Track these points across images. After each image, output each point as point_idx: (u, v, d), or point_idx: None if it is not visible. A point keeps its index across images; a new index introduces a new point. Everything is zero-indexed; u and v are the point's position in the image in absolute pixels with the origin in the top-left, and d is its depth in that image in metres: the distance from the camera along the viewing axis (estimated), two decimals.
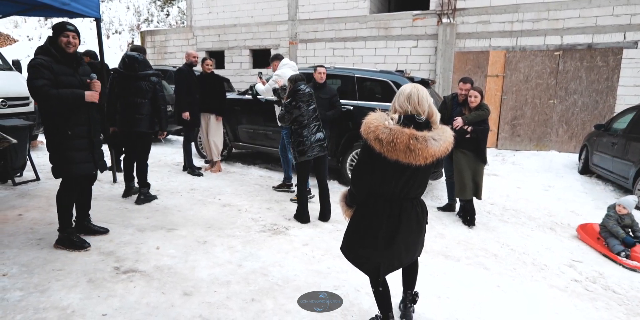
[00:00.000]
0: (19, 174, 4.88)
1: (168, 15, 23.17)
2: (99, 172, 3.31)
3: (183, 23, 20.84)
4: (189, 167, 5.68)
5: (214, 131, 5.69)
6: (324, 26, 10.67)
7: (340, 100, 5.35)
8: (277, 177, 5.69)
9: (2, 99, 5.69)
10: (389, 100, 5.30)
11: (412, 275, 2.40)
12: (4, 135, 4.26)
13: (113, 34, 22.79)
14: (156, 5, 24.02)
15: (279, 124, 4.97)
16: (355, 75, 5.48)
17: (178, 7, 23.05)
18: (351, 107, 5.33)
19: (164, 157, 6.79)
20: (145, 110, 4.07)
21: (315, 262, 3.17)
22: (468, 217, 4.21)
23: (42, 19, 24.10)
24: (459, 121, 4.09)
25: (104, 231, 3.41)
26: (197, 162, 6.36)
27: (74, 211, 3.26)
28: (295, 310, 2.44)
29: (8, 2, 4.33)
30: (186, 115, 5.35)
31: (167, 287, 2.62)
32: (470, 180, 4.15)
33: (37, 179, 4.85)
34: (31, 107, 6.19)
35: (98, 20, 4.42)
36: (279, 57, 5.17)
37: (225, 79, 9.12)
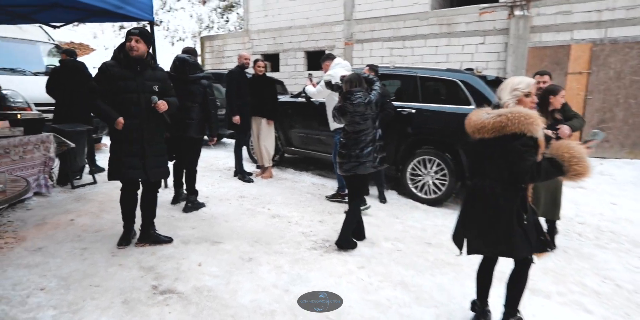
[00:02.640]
0: (78, 177, 4.95)
1: (227, 21, 23.88)
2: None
3: (241, 28, 21.27)
4: (240, 173, 5.48)
5: (265, 136, 5.45)
6: (381, 25, 10.17)
7: (401, 103, 4.87)
8: (331, 186, 5.32)
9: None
10: (457, 102, 4.80)
11: (509, 287, 2.25)
12: (63, 139, 4.31)
13: (177, 41, 23.91)
14: (217, 12, 24.87)
15: (331, 129, 4.61)
16: (418, 74, 4.96)
17: (237, 13, 23.67)
18: (413, 111, 4.82)
19: (216, 161, 6.70)
20: (195, 114, 3.89)
21: (373, 291, 2.73)
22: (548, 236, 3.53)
23: (117, 29, 25.97)
24: (565, 130, 3.26)
25: (168, 240, 3.28)
26: (249, 167, 6.17)
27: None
28: None
29: (69, 9, 4.39)
30: (237, 119, 5.15)
31: (204, 315, 2.33)
32: (546, 195, 3.44)
33: (94, 182, 4.89)
34: None
35: (152, 23, 4.34)
36: (330, 57, 4.79)
37: (279, 82, 8.96)
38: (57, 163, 4.63)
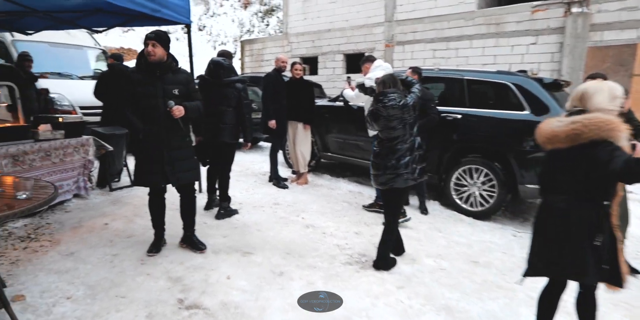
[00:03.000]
0: (116, 179, 5.01)
1: (268, 25, 24.19)
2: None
3: (281, 32, 21.44)
4: (275, 178, 5.35)
5: (301, 140, 5.29)
6: (424, 26, 9.79)
7: (446, 108, 4.54)
8: (368, 194, 5.06)
9: None
10: (508, 107, 4.40)
11: (580, 316, 2.03)
12: (102, 142, 4.35)
13: (219, 45, 24.50)
14: (257, 16, 25.27)
15: (370, 134, 4.37)
16: (465, 77, 4.61)
17: (277, 17, 23.91)
18: (458, 116, 4.48)
19: (252, 165, 6.62)
20: (229, 119, 3.78)
21: (414, 316, 2.47)
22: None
23: None
24: None
25: (200, 248, 3.19)
26: (284, 172, 6.04)
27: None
28: None
29: (111, 14, 4.44)
30: (272, 123, 5.02)
31: None
32: None
33: (132, 185, 4.91)
34: None
35: (189, 27, 4.30)
36: (370, 59, 4.53)
37: (317, 85, 8.80)
38: (96, 166, 4.70)
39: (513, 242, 3.80)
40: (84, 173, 4.33)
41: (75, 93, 5.88)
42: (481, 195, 4.35)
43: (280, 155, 5.65)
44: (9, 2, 4.01)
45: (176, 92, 2.90)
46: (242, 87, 3.76)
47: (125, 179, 5.11)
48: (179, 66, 3.03)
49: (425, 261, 3.27)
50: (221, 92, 3.70)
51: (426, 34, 9.75)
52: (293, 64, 5.22)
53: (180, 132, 2.97)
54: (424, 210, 4.49)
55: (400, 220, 3.90)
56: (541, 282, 2.13)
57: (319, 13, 11.70)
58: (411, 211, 4.34)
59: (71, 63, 6.55)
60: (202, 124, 3.91)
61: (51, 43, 6.28)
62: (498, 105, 4.36)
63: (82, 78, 6.36)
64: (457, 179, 4.51)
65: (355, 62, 11.04)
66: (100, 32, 5.02)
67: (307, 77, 5.92)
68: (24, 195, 2.05)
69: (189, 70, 4.37)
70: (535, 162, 3.87)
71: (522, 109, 4.09)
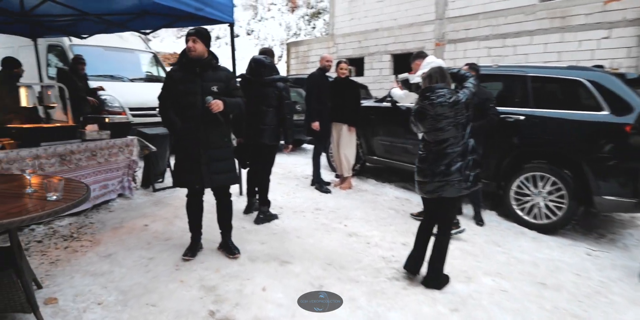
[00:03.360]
0: (160, 180, 5.03)
1: (314, 28, 24.23)
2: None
3: (327, 33, 21.37)
4: (317, 182, 5.14)
5: (345, 143, 5.04)
6: (478, 22, 9.21)
7: (506, 108, 4.10)
8: (417, 201, 4.69)
9: None
10: (582, 107, 3.86)
11: None
12: (146, 142, 4.35)
13: None
14: (304, 19, 25.42)
15: (419, 137, 4.02)
16: (529, 74, 4.14)
17: (324, 19, 23.89)
18: (521, 117, 4.02)
19: (295, 168, 6.46)
20: (269, 119, 3.61)
21: None
22: None
23: (214, 39, 28.00)
24: None
25: (234, 252, 3.04)
26: (327, 175, 5.81)
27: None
28: None
29: (157, 16, 4.46)
30: (316, 125, 4.82)
31: None
32: None
33: (174, 186, 4.90)
34: None
35: (232, 26, 4.20)
36: (422, 55, 4.17)
37: (363, 86, 8.53)
38: (141, 166, 4.73)
39: (587, 261, 3.31)
40: (129, 173, 4.36)
41: (126, 95, 6.03)
42: (547, 207, 3.86)
43: (323, 158, 5.44)
44: (63, 6, 4.13)
45: (215, 89, 2.77)
46: (284, 87, 3.58)
47: (168, 180, 5.11)
48: (220, 64, 2.90)
49: (482, 280, 2.89)
50: (262, 92, 3.55)
51: (480, 31, 9.16)
52: (338, 62, 4.99)
53: (220, 129, 2.84)
54: (479, 221, 4.07)
55: (453, 231, 3.53)
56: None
57: (365, 13, 11.42)
58: (465, 221, 3.95)
59: (124, 66, 6.75)
60: (243, 124, 3.78)
61: (105, 47, 6.51)
62: (569, 105, 3.85)
63: (132, 80, 6.53)
64: (519, 187, 4.05)
65: (403, 62, 10.62)
66: (148, 33, 5.08)
67: (353, 79, 5.67)
68: (54, 197, 1.97)
69: (231, 70, 4.31)
70: (615, 170, 3.36)
71: (600, 109, 3.57)
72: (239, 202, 4.41)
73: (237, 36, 27.54)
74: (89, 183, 3.86)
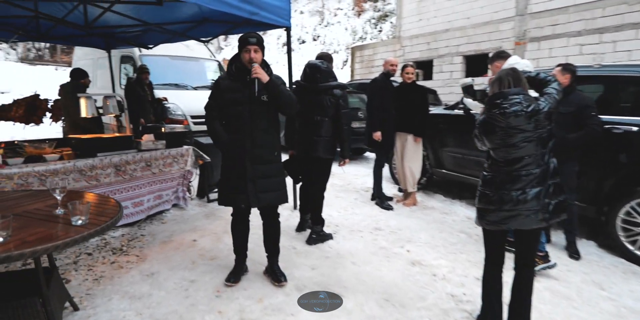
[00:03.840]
0: (215, 190, 4.93)
1: (380, 31, 23.69)
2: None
3: (394, 37, 20.76)
4: (378, 197, 4.70)
5: (410, 155, 4.55)
6: (567, 17, 8.13)
7: (611, 117, 3.37)
8: None
9: None
10: None
11: None
12: (201, 153, 4.24)
13: (332, 53, 24.87)
14: (370, 23, 24.98)
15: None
16: None
17: (390, 22, 23.25)
18: (634, 128, 3.25)
19: (355, 179, 6.07)
20: (324, 130, 3.28)
21: None
22: None
23: (280, 46, 28.61)
24: None
25: (280, 280, 2.74)
26: (389, 189, 5.35)
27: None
28: None
29: (216, 23, 4.37)
30: (377, 135, 4.39)
31: None
32: None
33: (219, 203, 4.78)
34: None
35: (288, 30, 3.94)
36: (502, 55, 3.52)
37: (432, 91, 7.91)
38: (197, 175, 4.66)
39: None
40: (183, 183, 4.28)
41: (188, 103, 6.09)
42: None
43: (386, 169, 4.99)
44: (125, 17, 4.18)
45: (265, 98, 2.51)
46: (341, 94, 3.22)
47: None
48: (272, 71, 2.64)
49: None
50: (316, 99, 3.22)
51: (571, 26, 8.06)
52: (404, 66, 4.53)
53: (269, 142, 2.57)
54: (573, 253, 3.37)
55: (538, 267, 2.92)
56: None
57: (435, 12, 10.72)
58: (555, 253, 3.28)
59: (189, 74, 6.89)
60: (295, 135, 3.49)
61: (172, 56, 6.68)
62: None
63: (195, 89, 6.61)
64: (628, 214, 3.27)
65: (477, 64, 9.75)
66: (207, 41, 5.04)
67: (420, 83, 5.16)
68: (80, 222, 1.79)
69: (287, 76, 4.06)
70: None
71: None
72: (292, 217, 4.14)
73: (303, 42, 27.87)
74: (142, 194, 3.85)
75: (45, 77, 15.82)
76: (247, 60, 2.46)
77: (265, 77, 2.43)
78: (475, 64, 10.02)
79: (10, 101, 4.21)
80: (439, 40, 10.69)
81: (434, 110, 5.17)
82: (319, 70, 3.21)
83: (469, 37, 10.02)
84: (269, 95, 2.50)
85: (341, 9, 29.23)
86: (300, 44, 27.86)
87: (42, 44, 22.51)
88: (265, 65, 2.57)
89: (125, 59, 6.90)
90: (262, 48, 2.54)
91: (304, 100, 3.25)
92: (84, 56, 7.99)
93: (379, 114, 4.41)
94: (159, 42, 5.36)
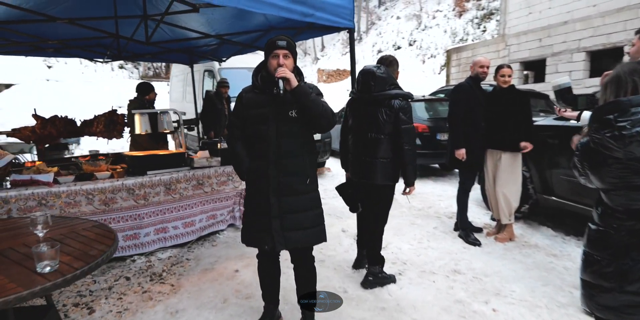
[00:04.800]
0: None
1: (484, 31, 21.67)
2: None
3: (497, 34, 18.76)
4: (462, 229, 3.84)
5: (505, 178, 3.62)
6: None
7: None
8: None
9: None
10: None
11: None
12: None
13: (428, 58, 23.53)
14: (473, 23, 23.03)
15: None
16: None
17: (496, 20, 21.07)
18: None
19: (439, 201, 5.21)
20: (381, 151, 2.64)
21: None
22: None
23: (375, 53, 28.10)
24: None
25: None
26: (480, 216, 4.42)
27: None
28: None
29: (280, 31, 4.07)
30: (461, 153, 3.58)
31: None
32: None
33: (242, 242, 4.39)
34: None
35: (352, 32, 3.40)
36: None
37: (543, 96, 6.60)
38: None
39: None
40: (240, 202, 4.00)
41: None
42: None
43: (476, 190, 4.09)
44: (183, 29, 4.12)
45: (294, 114, 2.02)
46: (401, 106, 2.56)
47: None
48: (305, 81, 2.15)
49: None
50: (371, 113, 2.62)
51: None
52: (499, 67, 3.64)
53: (299, 167, 2.07)
54: None
55: None
56: None
57: (550, 3, 9.15)
58: None
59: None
60: (349, 154, 2.91)
61: (249, 68, 6.60)
62: None
63: None
64: None
65: (604, 61, 7.99)
66: None
67: (529, 86, 4.17)
68: (47, 269, 1.49)
69: (350, 85, 3.53)
70: None
71: None
72: (353, 248, 3.55)
73: (399, 48, 26.92)
74: (194, 213, 3.63)
75: (158, 92, 17.73)
76: (274, 68, 2.00)
77: (293, 80, 1.94)
78: (602, 60, 8.23)
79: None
80: (555, 35, 9.07)
81: (540, 120, 4.13)
82: (373, 76, 2.60)
83: (595, 29, 8.27)
84: (298, 108, 2.00)
85: (440, 11, 27.64)
86: (395, 50, 26.99)
87: (159, 63, 25.53)
88: (297, 73, 2.08)
89: (208, 73, 7.07)
90: (294, 54, 2.07)
91: (357, 114, 2.69)
92: (177, 72, 8.48)
93: (463, 127, 3.60)
94: (230, 54, 5.29)
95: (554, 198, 3.93)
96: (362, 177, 2.73)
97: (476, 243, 3.65)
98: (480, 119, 3.60)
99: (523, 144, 3.48)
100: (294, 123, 2.03)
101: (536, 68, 9.83)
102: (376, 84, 2.59)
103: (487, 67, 3.68)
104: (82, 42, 4.50)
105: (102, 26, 3.98)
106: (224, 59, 5.48)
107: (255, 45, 4.67)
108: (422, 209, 4.82)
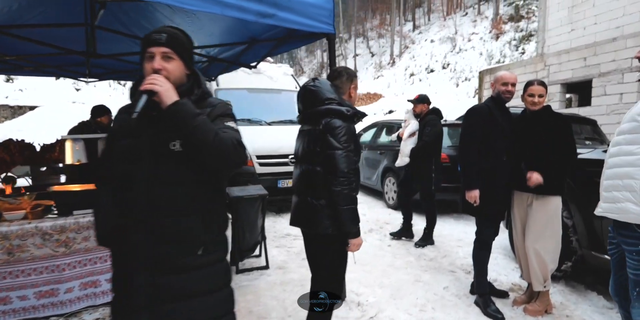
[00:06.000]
0: (255, 254, 3.83)
1: (523, 53, 20.51)
2: None
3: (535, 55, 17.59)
4: (480, 294, 2.91)
5: (539, 230, 2.70)
6: None
7: None
8: None
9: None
10: None
11: None
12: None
13: (462, 81, 22.50)
14: (510, 45, 21.93)
15: None
16: None
17: (536, 42, 19.90)
18: None
19: (457, 247, 4.26)
20: (318, 189, 1.87)
21: None
22: None
23: (407, 76, 27.41)
24: None
25: None
26: (506, 271, 3.47)
27: None
28: None
29: (261, 44, 3.49)
30: (473, 195, 2.71)
31: None
32: None
33: (266, 266, 3.62)
34: None
35: (331, 38, 2.71)
36: None
37: (590, 121, 5.56)
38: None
39: None
40: None
41: (257, 141, 5.29)
42: None
43: (503, 233, 3.18)
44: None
45: (177, 146, 1.31)
46: (331, 124, 1.78)
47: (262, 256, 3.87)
48: (208, 95, 1.45)
49: None
50: (303, 137, 1.92)
51: None
52: (528, 84, 2.80)
53: (187, 227, 1.35)
54: None
55: None
56: None
57: (596, 18, 8.15)
58: None
59: (269, 108, 6.18)
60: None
61: (250, 89, 6.09)
62: None
63: (270, 124, 5.82)
64: None
65: None
66: (254, 66, 4.16)
67: (573, 110, 3.27)
68: None
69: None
70: None
71: None
72: None
73: (432, 71, 26.08)
74: None
75: None
76: (149, 74, 1.31)
77: (165, 95, 1.25)
78: None
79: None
80: (602, 54, 8.01)
81: (586, 153, 3.20)
82: (304, 91, 1.91)
83: None
84: (182, 137, 1.29)
85: (476, 34, 26.74)
86: (428, 73, 26.16)
87: None
88: (193, 84, 1.40)
89: None
90: (184, 53, 1.38)
91: (297, 139, 2.00)
92: None
93: (477, 160, 2.75)
94: (217, 73, 4.76)
95: (606, 256, 2.93)
96: (301, 224, 1.96)
97: (497, 316, 2.71)
98: (503, 151, 2.74)
99: (529, 174, 2.59)
100: (177, 161, 1.32)
101: (581, 90, 8.74)
102: (305, 101, 1.90)
103: (513, 85, 2.85)
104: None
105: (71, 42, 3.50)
106: (213, 78, 4.97)
107: (240, 62, 4.09)
108: (433, 258, 3.89)
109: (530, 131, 2.72)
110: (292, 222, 2.03)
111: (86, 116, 4.19)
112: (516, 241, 2.92)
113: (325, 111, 1.83)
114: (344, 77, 2.07)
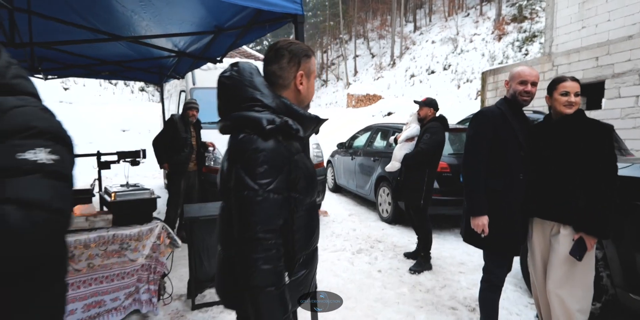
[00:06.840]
0: (211, 286, 3.23)
1: (526, 54, 19.94)
2: None
3: (542, 54, 17.00)
4: None
5: (566, 270, 2.10)
6: None
7: None
8: None
9: None
10: None
11: None
12: (173, 234, 2.64)
13: (464, 83, 21.93)
14: (513, 46, 21.36)
15: None
16: None
17: (540, 43, 19.29)
18: None
19: (460, 273, 3.65)
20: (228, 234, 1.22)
21: None
22: None
23: (408, 78, 26.82)
24: None
25: None
26: (518, 308, 2.88)
27: None
28: None
29: (225, 35, 2.89)
30: (480, 223, 2.11)
31: None
32: None
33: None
34: None
35: (298, 22, 2.11)
36: None
37: (605, 127, 4.93)
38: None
39: None
40: (149, 279, 2.70)
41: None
42: None
43: (516, 264, 2.59)
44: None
45: None
46: (239, 145, 1.10)
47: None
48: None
49: None
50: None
51: None
52: (557, 81, 2.20)
53: None
54: None
55: None
56: None
57: (609, 15, 7.57)
58: None
59: None
60: None
61: None
62: None
63: None
64: None
65: None
66: (219, 61, 3.56)
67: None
68: None
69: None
70: None
71: None
72: None
73: (432, 72, 25.49)
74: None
75: None
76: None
77: None
78: None
79: None
80: (616, 53, 7.42)
81: (624, 167, 2.60)
82: (218, 86, 1.22)
83: None
84: None
85: (478, 35, 26.16)
86: (429, 74, 25.58)
87: None
88: None
89: (182, 94, 6.01)
90: None
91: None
92: (166, 92, 7.51)
93: (483, 178, 2.15)
94: (184, 70, 4.19)
95: None
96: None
97: None
98: (520, 167, 2.15)
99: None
100: None
101: (591, 92, 8.14)
102: (223, 103, 1.23)
103: (533, 84, 2.26)
104: None
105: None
106: (181, 74, 4.39)
107: (205, 56, 3.50)
108: (430, 289, 3.29)
109: (559, 141, 2.13)
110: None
111: (70, 116, 3.64)
112: (534, 280, 2.33)
113: (233, 123, 1.18)
114: (284, 59, 1.24)
